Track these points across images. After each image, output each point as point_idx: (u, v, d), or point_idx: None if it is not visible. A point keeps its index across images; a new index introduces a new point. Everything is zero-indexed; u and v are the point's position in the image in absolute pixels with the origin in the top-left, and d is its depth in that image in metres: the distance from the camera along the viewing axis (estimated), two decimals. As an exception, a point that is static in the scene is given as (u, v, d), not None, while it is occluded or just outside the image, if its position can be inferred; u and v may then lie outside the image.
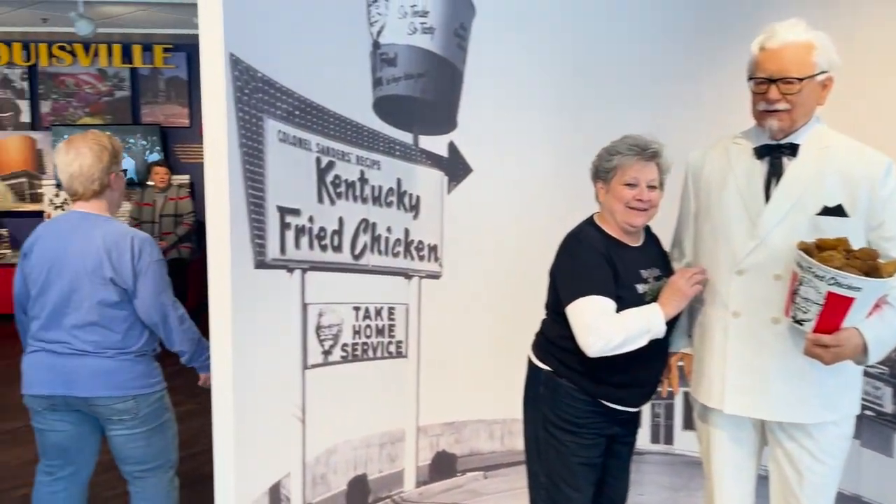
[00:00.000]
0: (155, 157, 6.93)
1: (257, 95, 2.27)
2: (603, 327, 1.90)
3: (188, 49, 6.88)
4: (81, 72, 6.97)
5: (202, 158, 7.83)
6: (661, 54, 2.77)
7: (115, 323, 2.25)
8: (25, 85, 6.92)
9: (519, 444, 2.98)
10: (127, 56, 6.93)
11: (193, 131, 7.10)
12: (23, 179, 7.06)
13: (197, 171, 7.18)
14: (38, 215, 7.09)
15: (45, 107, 6.99)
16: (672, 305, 1.94)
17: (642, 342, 1.92)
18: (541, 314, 2.19)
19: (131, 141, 6.96)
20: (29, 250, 2.32)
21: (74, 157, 2.26)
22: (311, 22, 2.41)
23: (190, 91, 7.05)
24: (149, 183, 6.74)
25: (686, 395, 2.51)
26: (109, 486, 2.91)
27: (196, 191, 7.09)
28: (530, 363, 2.19)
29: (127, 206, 7.06)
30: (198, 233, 7.01)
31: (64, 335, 2.24)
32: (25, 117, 6.98)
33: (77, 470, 2.37)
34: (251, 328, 2.30)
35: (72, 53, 6.87)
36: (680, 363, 2.18)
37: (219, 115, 2.17)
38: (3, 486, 3.43)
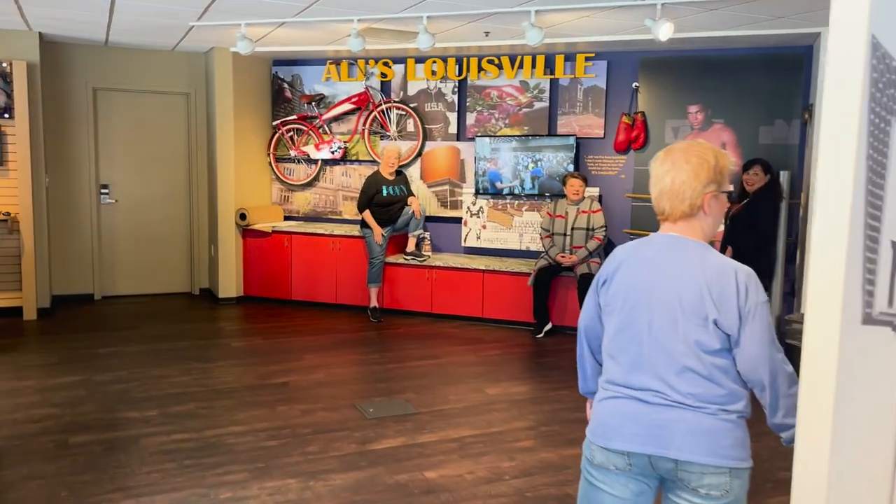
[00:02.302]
0: (569, 168, 6.81)
1: (889, 91, 1.69)
2: None
3: (609, 57, 6.62)
4: (505, 84, 7.16)
5: (614, 171, 7.35)
6: None
7: (716, 373, 1.84)
8: (455, 98, 7.33)
9: None
10: (549, 67, 6.93)
11: (607, 143, 6.84)
12: (445, 187, 7.50)
13: (606, 184, 6.90)
14: (456, 221, 7.48)
15: (470, 118, 7.33)
16: None
17: None
18: None
19: (547, 152, 6.94)
20: (609, 277, 2.00)
21: (668, 170, 1.90)
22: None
23: (607, 101, 6.80)
24: (562, 195, 6.65)
25: None
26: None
27: (604, 204, 6.81)
28: None
29: (537, 217, 7.08)
30: (605, 248, 6.72)
31: (655, 382, 1.87)
32: (452, 129, 7.40)
33: None
34: (848, 401, 1.73)
35: (498, 66, 7.08)
36: None
37: (849, 118, 1.61)
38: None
